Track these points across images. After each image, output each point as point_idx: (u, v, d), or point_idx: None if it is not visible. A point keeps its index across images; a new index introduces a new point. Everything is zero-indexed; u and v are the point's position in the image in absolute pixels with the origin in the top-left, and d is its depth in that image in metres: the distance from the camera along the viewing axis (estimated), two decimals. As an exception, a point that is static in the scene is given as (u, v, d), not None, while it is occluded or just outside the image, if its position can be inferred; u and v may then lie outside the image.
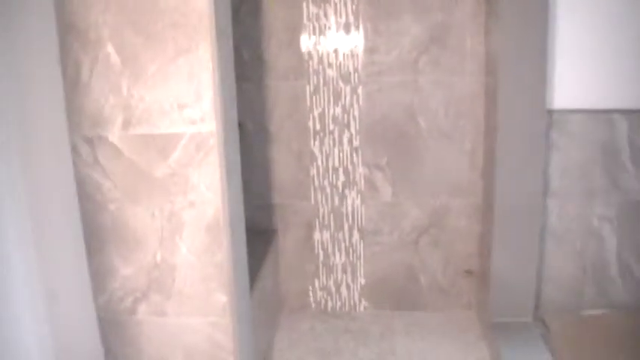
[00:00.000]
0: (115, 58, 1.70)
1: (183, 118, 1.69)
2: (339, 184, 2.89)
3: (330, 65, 2.76)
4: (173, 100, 1.69)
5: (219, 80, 1.67)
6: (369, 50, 2.74)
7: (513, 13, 2.39)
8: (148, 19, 1.66)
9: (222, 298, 1.84)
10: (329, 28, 2.73)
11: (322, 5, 2.71)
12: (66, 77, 1.72)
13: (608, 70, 2.48)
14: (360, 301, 3.04)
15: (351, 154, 2.84)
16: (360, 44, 2.74)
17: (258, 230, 2.92)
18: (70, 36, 1.70)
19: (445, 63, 2.73)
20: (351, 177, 2.88)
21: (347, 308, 3.07)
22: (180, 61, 1.66)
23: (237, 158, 1.92)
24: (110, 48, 1.70)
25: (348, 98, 2.79)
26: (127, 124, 1.73)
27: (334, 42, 2.75)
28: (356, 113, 2.80)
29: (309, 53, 2.76)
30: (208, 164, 1.72)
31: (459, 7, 2.67)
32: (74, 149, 1.77)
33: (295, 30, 2.76)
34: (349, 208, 2.92)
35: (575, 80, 2.49)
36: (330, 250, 2.99)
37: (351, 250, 2.98)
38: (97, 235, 1.83)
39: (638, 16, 2.46)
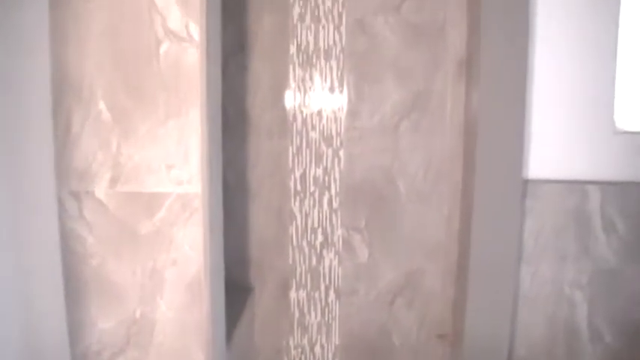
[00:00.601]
0: (106, 116, 1.74)
1: (171, 178, 1.73)
2: (317, 244, 2.93)
3: (313, 127, 2.82)
4: (161, 160, 1.72)
5: (207, 143, 1.71)
6: (352, 114, 2.81)
7: (493, 83, 2.46)
8: (141, 80, 1.71)
9: (199, 356, 1.85)
10: (314, 90, 2.80)
11: (308, 68, 2.78)
12: (57, 131, 1.75)
13: (583, 142, 2.55)
14: (333, 361, 3.05)
15: (330, 215, 2.89)
16: (343, 108, 2.80)
17: (235, 285, 2.92)
18: (64, 91, 1.74)
19: (425, 128, 2.79)
20: (330, 238, 2.91)
21: (320, 368, 3.07)
22: (171, 123, 1.70)
23: (221, 218, 1.95)
24: (102, 105, 1.73)
25: (329, 160, 2.84)
26: (114, 180, 1.76)
27: (318, 104, 2.81)
28: (337, 175, 2.85)
29: (294, 114, 2.82)
30: (193, 224, 1.75)
31: (440, 74, 2.75)
32: (60, 202, 1.79)
33: (281, 90, 2.82)
34: (326, 269, 2.95)
35: (551, 151, 2.55)
36: (305, 309, 3.00)
37: (326, 310, 3.00)
38: (78, 288, 1.83)
39: (611, 91, 2.55)
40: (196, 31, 1.68)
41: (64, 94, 1.74)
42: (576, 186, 2.56)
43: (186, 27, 1.68)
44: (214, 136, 1.82)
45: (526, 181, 2.55)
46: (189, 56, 1.68)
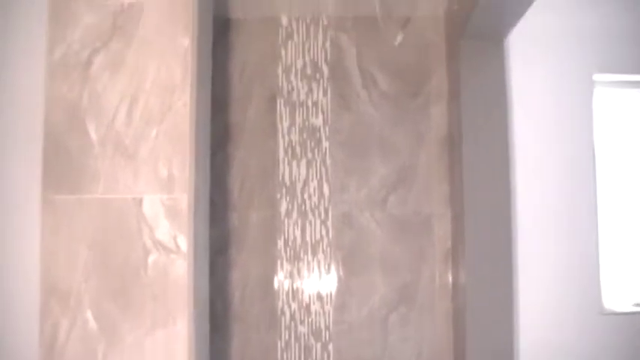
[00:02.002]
0: (92, 325, 1.74)
1: (156, 390, 1.71)
2: None
3: (302, 321, 2.82)
4: (147, 371, 1.72)
5: (195, 353, 1.71)
6: (340, 307, 2.82)
7: (480, 270, 2.51)
8: (129, 289, 1.73)
9: None
10: (302, 284, 2.83)
11: (296, 262, 2.83)
12: (42, 339, 1.75)
13: (572, 324, 2.59)
14: None
15: (321, 411, 2.83)
16: (331, 301, 2.82)
17: None
18: (52, 299, 1.76)
19: (414, 319, 2.80)
20: None
21: None
22: (158, 334, 1.70)
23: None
24: (89, 314, 1.75)
25: (318, 354, 2.81)
26: (98, 389, 1.74)
27: (306, 298, 2.82)
28: (326, 370, 2.82)
29: (282, 308, 2.83)
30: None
31: (427, 264, 2.80)
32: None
33: (269, 285, 2.85)
34: None
35: (541, 335, 2.58)
36: None
37: None
38: None
39: (597, 274, 2.61)
40: (184, 242, 1.72)
41: (51, 302, 1.76)
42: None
43: (174, 239, 1.72)
44: (201, 347, 1.82)
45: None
46: (177, 268, 1.71)
